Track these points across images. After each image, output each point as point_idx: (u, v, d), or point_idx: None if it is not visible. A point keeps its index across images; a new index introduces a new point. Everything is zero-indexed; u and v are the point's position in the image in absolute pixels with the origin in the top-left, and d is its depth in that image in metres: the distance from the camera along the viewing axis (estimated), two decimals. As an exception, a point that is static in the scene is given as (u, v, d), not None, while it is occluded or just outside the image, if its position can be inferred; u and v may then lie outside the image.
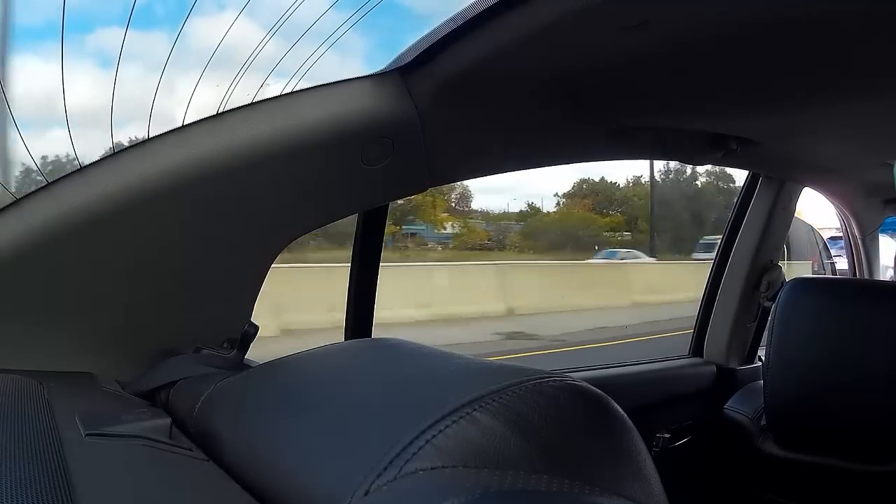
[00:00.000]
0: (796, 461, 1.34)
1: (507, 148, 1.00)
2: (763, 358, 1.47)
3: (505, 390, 0.35)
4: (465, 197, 10.94)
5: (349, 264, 1.06)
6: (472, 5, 0.69)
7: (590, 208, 12.20)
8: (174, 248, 0.76)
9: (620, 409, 0.37)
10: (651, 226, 12.14)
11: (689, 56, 0.79)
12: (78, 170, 0.71)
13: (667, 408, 1.44)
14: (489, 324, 6.48)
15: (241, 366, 0.72)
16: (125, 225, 0.72)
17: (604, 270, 9.52)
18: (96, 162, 0.72)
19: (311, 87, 0.79)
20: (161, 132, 0.73)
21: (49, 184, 0.70)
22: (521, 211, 11.71)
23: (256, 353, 0.76)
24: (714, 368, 1.58)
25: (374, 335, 1.05)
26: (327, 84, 0.79)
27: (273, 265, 0.86)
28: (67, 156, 0.73)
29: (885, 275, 2.19)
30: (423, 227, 10.11)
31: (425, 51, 0.77)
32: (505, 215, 11.39)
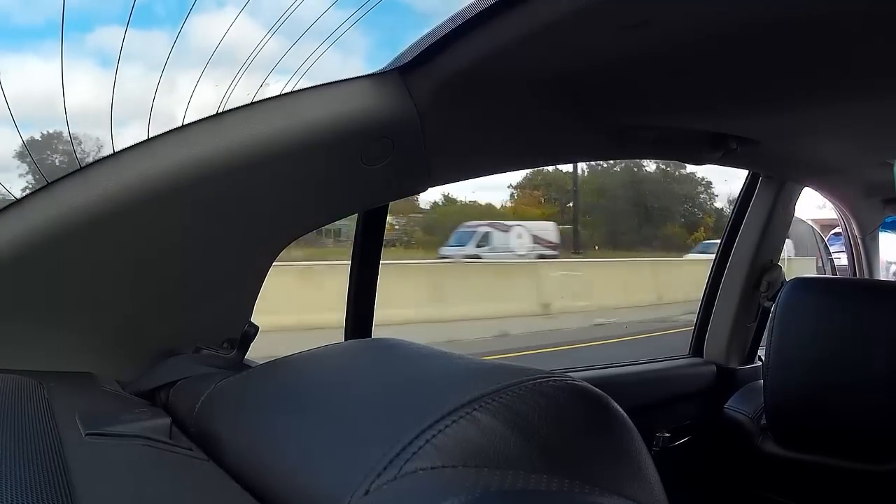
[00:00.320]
0: (796, 461, 1.34)
1: (506, 147, 1.00)
2: (763, 358, 1.47)
3: (505, 390, 0.35)
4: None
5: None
6: (471, 5, 0.69)
7: (539, 200, 11.74)
8: (174, 248, 0.76)
9: (620, 409, 0.37)
10: (575, 217, 11.19)
11: (689, 56, 0.79)
12: (78, 170, 0.71)
13: (667, 407, 1.44)
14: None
15: (241, 366, 0.72)
16: (125, 225, 0.72)
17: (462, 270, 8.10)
18: (96, 162, 0.72)
19: (311, 87, 0.79)
20: (161, 132, 0.73)
21: (49, 184, 0.70)
22: (434, 202, 10.75)
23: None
24: (714, 368, 1.58)
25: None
26: (327, 84, 0.79)
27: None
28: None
29: (888, 271, 2.19)
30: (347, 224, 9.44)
31: (425, 50, 0.77)
32: (416, 209, 10.14)
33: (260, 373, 0.57)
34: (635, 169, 11.56)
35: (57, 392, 0.59)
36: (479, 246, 9.14)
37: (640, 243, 11.44)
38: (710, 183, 12.99)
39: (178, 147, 0.73)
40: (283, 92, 0.78)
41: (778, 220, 1.59)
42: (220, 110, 0.75)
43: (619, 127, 1.06)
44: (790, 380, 1.32)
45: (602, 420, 0.37)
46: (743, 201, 1.61)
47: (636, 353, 1.73)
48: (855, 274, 2.06)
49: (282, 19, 0.77)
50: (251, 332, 0.76)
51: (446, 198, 11.04)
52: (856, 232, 2.00)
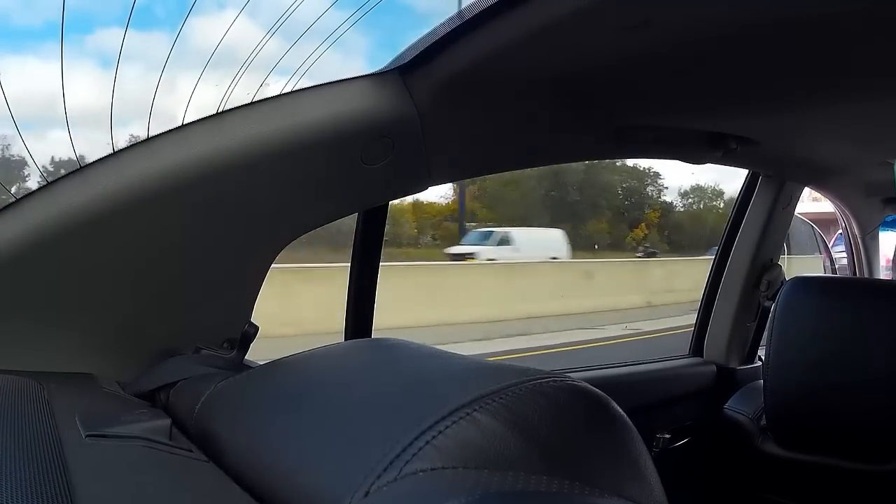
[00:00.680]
0: (796, 461, 1.34)
1: (506, 147, 1.00)
2: (763, 357, 1.47)
3: (505, 390, 0.35)
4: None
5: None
6: (471, 5, 0.69)
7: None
8: (174, 247, 0.76)
9: (620, 410, 0.37)
10: (461, 214, 10.57)
11: (689, 56, 0.79)
12: (78, 170, 0.71)
13: (667, 408, 1.44)
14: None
15: (241, 366, 0.71)
16: (125, 225, 0.72)
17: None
18: (96, 162, 0.71)
19: (311, 87, 0.79)
20: (161, 132, 0.73)
21: (49, 184, 0.70)
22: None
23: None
24: (714, 368, 1.58)
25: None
26: (327, 83, 0.79)
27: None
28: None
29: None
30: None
31: (425, 50, 0.77)
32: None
33: (260, 373, 0.57)
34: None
35: (57, 392, 0.59)
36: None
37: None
38: (658, 174, 12.71)
39: (178, 147, 0.73)
40: (283, 92, 0.78)
41: (778, 219, 1.59)
42: (220, 110, 0.75)
43: (618, 127, 1.06)
44: (790, 380, 1.32)
45: (602, 420, 0.37)
46: (743, 201, 1.61)
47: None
48: (855, 273, 2.06)
49: (281, 20, 0.78)
50: (251, 332, 0.76)
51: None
52: (856, 231, 2.00)
